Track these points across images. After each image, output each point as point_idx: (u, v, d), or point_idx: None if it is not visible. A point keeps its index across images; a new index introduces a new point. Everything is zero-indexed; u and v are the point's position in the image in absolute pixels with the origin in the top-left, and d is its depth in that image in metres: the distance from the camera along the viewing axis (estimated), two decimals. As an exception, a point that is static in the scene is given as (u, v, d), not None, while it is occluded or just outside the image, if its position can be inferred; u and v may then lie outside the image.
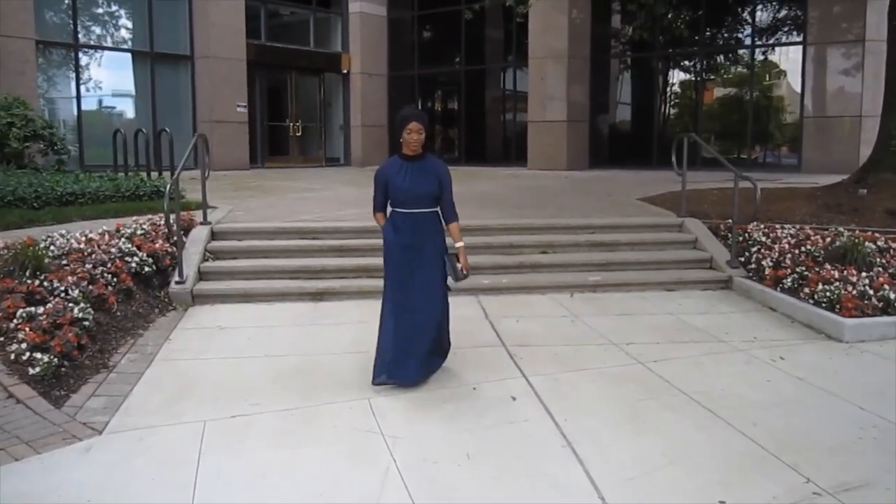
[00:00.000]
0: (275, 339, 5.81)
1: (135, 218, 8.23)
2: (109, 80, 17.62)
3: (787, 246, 7.64)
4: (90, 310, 5.50)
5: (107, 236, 7.09)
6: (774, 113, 18.24)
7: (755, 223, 8.10)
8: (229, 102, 18.25)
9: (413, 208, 4.62)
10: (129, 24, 18.12)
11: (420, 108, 22.65)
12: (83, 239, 6.86)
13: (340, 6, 21.55)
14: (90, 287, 5.84)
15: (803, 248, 7.59)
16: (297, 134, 20.92)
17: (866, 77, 14.70)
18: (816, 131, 15.54)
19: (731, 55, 18.58)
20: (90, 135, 16.67)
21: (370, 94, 21.63)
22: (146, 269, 6.68)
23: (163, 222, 7.32)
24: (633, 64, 20.56)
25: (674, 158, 9.35)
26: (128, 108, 18.46)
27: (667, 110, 20.18)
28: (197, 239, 7.58)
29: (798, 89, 16.62)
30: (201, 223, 8.03)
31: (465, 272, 4.69)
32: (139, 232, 7.23)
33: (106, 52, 17.59)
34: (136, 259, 6.63)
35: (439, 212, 4.75)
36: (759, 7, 17.76)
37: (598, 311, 6.74)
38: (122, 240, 6.92)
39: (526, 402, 4.57)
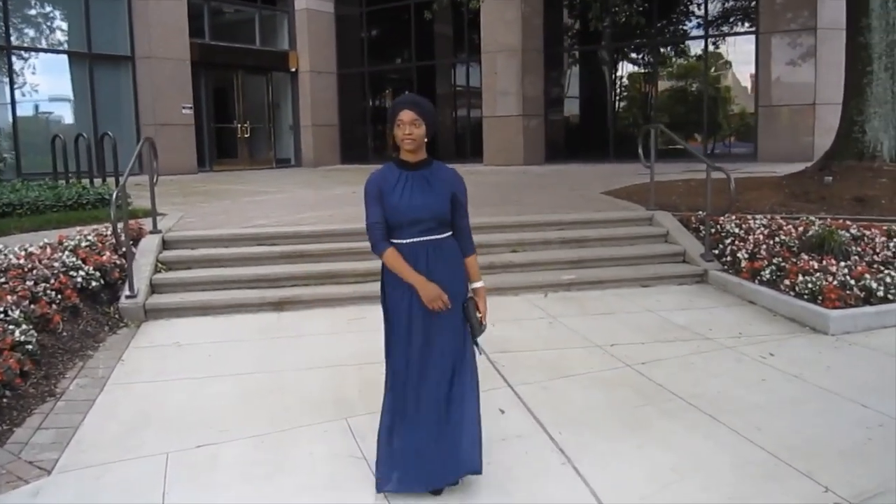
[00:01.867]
0: (237, 355, 5.40)
1: (79, 229, 7.70)
2: (46, 83, 16.79)
3: (761, 237, 7.50)
4: (33, 332, 5.03)
5: (49, 250, 6.57)
6: (725, 103, 18.29)
7: (726, 215, 7.93)
8: (174, 104, 17.59)
9: (416, 236, 3.17)
10: (65, 25, 17.31)
11: (373, 104, 22.26)
12: (22, 254, 6.34)
13: (286, 3, 20.99)
14: (32, 306, 5.36)
15: (777, 239, 7.46)
16: (246, 135, 20.32)
17: (819, 65, 14.78)
18: (771, 120, 15.59)
19: (682, 46, 18.56)
20: (27, 141, 15.83)
21: (319, 92, 21.12)
22: (93, 283, 6.20)
23: (109, 232, 6.83)
24: (585, 57, 20.44)
25: (640, 150, 9.16)
26: (66, 113, 17.63)
27: (620, 103, 20.12)
28: (147, 249, 7.10)
29: (750, 79, 16.69)
30: (151, 232, 7.55)
31: (483, 323, 3.37)
32: (84, 244, 6.73)
33: (41, 55, 16.76)
34: (81, 273, 6.15)
35: (454, 238, 3.32)
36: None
37: (576, 311, 6.48)
38: (66, 253, 6.42)
39: (516, 416, 4.26)
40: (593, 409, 4.35)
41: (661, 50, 18.60)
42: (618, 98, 19.99)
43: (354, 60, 21.79)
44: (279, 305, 6.53)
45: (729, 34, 17.60)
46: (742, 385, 4.69)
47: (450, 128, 21.95)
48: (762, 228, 7.76)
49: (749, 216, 8.10)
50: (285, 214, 9.13)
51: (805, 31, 14.96)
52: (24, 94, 16.31)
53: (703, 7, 17.42)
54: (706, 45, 17.51)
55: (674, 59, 19.02)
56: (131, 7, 17.34)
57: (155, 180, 7.87)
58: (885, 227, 7.73)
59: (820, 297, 6.11)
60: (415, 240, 3.17)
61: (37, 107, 16.89)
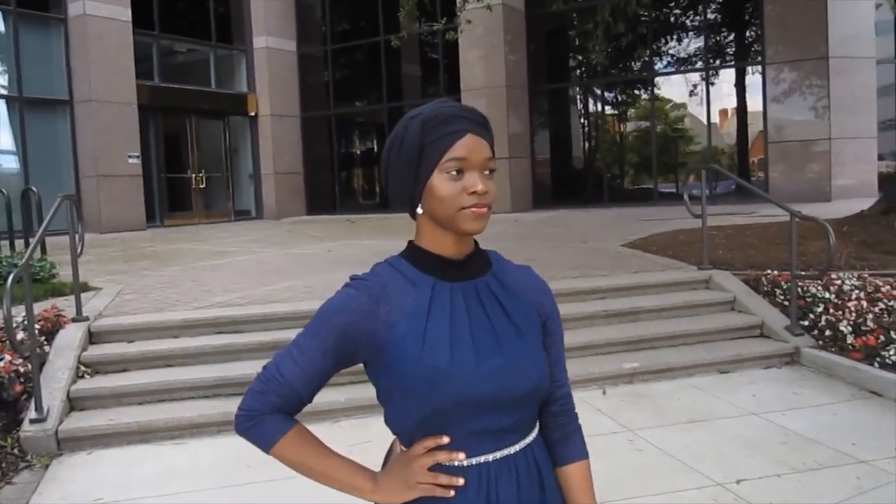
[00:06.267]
0: (191, 523, 3.58)
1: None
2: (-31, 131, 14.85)
3: (862, 303, 5.93)
4: None
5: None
6: (727, 140, 17.10)
7: (807, 271, 6.34)
8: (118, 153, 15.69)
9: (480, 450, 1.33)
10: (-8, 66, 15.44)
11: (340, 149, 20.63)
12: None
13: (244, 41, 19.34)
14: None
15: (883, 305, 5.90)
16: (201, 186, 18.42)
17: (833, 97, 13.54)
18: (782, 157, 14.27)
19: (683, 78, 17.35)
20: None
21: (282, 137, 19.38)
22: (-20, 406, 4.35)
23: (19, 320, 4.98)
24: (576, 94, 19.11)
25: (685, 196, 7.59)
26: (-7, 165, 15.66)
27: (618, 142, 18.84)
28: (66, 345, 5.25)
29: (758, 113, 15.47)
30: (74, 319, 5.69)
31: None
32: (-26, 344, 4.88)
33: (-36, 99, 14.86)
34: (-38, 393, 4.29)
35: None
36: (712, 26, 16.68)
37: (654, 416, 4.79)
38: (-56, 361, 4.57)
39: None
40: None
41: (658, 85, 17.33)
42: (618, 137, 18.72)
43: (319, 102, 20.15)
44: (249, 423, 4.72)
45: (732, 65, 16.46)
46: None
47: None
48: (856, 291, 6.21)
49: (833, 276, 6.53)
50: (251, 286, 7.32)
51: (816, 61, 13.72)
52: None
53: (705, 37, 16.26)
54: (708, 76, 16.26)
55: (672, 94, 17.86)
56: (69, 45, 15.52)
57: (80, 250, 6.03)
58: None
59: (982, 391, 4.53)
60: (487, 458, 1.33)
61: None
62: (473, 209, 1.30)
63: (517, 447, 1.36)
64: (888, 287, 6.28)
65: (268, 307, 6.09)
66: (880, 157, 15.61)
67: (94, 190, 15.31)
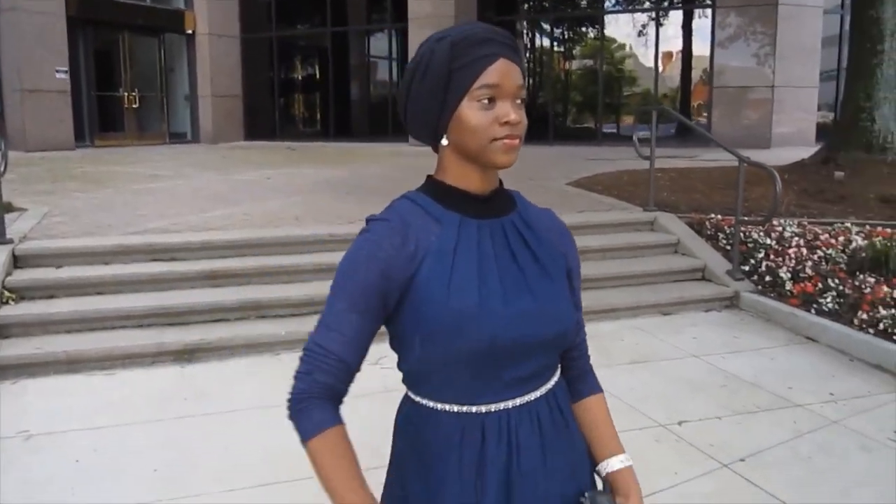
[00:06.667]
0: (125, 458, 3.43)
1: None
2: None
3: (803, 250, 6.03)
4: None
5: None
6: (669, 83, 17.14)
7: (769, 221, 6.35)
8: (45, 67, 14.80)
9: (505, 395, 1.24)
10: None
11: (281, 74, 19.95)
12: None
13: (182, -45, 18.35)
14: None
15: (821, 253, 6.01)
16: (134, 106, 17.60)
17: (779, 44, 13.59)
18: (725, 102, 14.36)
19: (631, 18, 17.21)
20: None
21: (220, 58, 18.58)
22: None
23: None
24: (523, 29, 18.77)
25: (635, 137, 7.55)
26: None
27: (569, 80, 18.71)
28: (-13, 269, 4.96)
29: (702, 57, 15.49)
30: (-4, 241, 5.38)
31: None
32: None
33: None
34: None
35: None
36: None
37: (599, 357, 4.68)
38: None
39: None
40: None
41: (606, 23, 17.15)
42: (564, 74, 18.56)
43: (260, 24, 19.35)
44: (184, 355, 4.56)
45: (682, 6, 16.37)
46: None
47: (369, 103, 19.98)
48: (796, 238, 6.30)
49: (775, 223, 6.61)
50: (188, 212, 7.04)
51: (764, 7, 13.69)
52: None
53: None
54: (658, 17, 16.15)
55: (620, 34, 17.73)
56: (-10, -53, 14.47)
57: (2, 168, 5.65)
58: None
59: (915, 339, 4.67)
60: (507, 405, 1.25)
61: None
62: (506, 140, 1.19)
63: (538, 392, 1.28)
64: (827, 235, 6.41)
65: (205, 235, 5.86)
66: (819, 108, 15.87)
67: (17, 105, 14.48)
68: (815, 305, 5.36)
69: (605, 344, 5.03)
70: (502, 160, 1.21)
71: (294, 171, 10.98)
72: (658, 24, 16.22)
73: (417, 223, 1.23)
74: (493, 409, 1.23)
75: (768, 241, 6.26)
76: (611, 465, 1.35)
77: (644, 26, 16.61)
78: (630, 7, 16.97)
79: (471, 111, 1.19)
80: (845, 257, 5.93)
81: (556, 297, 1.28)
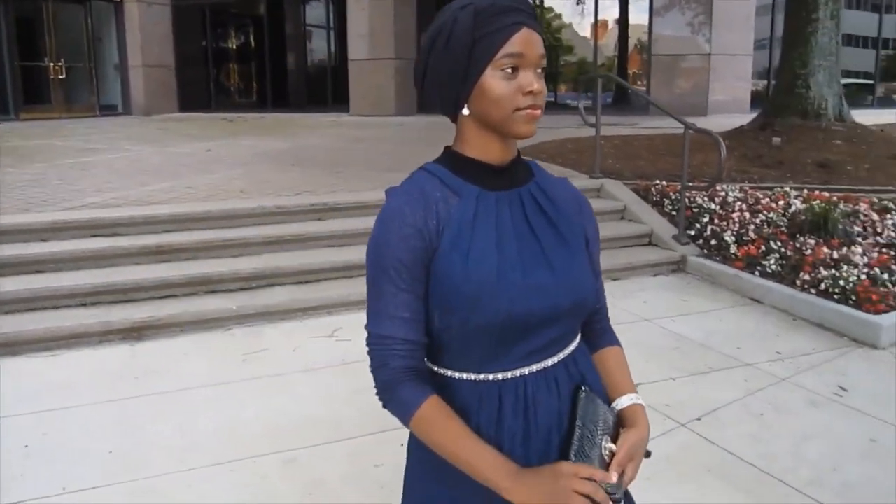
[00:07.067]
0: (77, 441, 3.32)
1: None
2: None
3: (745, 214, 6.18)
4: None
5: None
6: (605, 52, 17.26)
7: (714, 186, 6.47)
8: (-37, 36, 14.13)
9: (524, 362, 1.24)
10: None
11: (215, 43, 19.37)
12: None
13: (106, -84, 17.58)
14: None
15: (763, 217, 6.17)
16: (61, 76, 16.92)
17: (715, 12, 13.79)
18: (662, 70, 14.54)
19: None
20: None
21: (151, 26, 17.91)
22: None
23: None
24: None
25: (580, 105, 7.59)
26: None
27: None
28: (-84, 249, 4.71)
29: (638, 26, 15.62)
30: (-76, 220, 5.12)
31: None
32: None
33: None
34: None
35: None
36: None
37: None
38: None
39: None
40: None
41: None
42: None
43: (192, -11, 18.75)
44: (133, 333, 4.43)
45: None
46: (845, 452, 3.25)
47: (308, 72, 19.60)
48: (739, 202, 6.45)
49: (718, 188, 6.74)
50: (127, 186, 6.81)
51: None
52: None
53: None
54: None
55: (542, 6, 17.72)
56: None
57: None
58: (868, 200, 6.65)
59: (853, 297, 4.84)
60: (523, 371, 1.24)
61: None
62: (529, 110, 1.19)
63: (556, 358, 1.28)
64: (767, 199, 6.57)
65: (148, 209, 5.68)
66: (753, 76, 16.21)
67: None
68: (758, 268, 5.50)
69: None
70: (524, 130, 1.21)
71: (234, 143, 10.73)
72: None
73: (436, 195, 1.23)
74: (509, 377, 1.24)
75: (712, 205, 6.39)
76: (621, 402, 1.38)
77: (582, -5, 16.68)
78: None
79: (494, 80, 1.18)
80: (786, 220, 6.10)
81: (575, 267, 1.28)
